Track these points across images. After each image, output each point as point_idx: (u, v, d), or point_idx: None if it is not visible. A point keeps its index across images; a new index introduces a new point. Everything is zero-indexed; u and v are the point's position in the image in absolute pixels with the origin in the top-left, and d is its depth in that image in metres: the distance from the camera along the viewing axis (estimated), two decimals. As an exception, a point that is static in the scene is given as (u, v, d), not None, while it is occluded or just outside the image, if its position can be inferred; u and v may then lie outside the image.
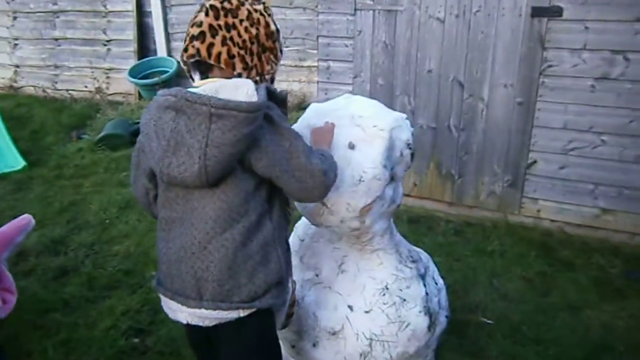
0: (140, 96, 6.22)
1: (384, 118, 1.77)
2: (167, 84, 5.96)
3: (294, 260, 2.05)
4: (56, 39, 6.62)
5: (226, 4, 1.41)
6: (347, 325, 1.87)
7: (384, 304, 1.87)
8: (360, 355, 1.87)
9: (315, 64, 5.70)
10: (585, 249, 3.06)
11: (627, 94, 2.79)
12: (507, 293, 2.76)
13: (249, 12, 1.43)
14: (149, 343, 2.42)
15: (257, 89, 1.32)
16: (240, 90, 1.31)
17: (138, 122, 5.06)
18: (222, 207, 1.33)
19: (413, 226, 3.40)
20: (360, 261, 1.94)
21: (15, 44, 6.80)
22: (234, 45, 1.40)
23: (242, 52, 1.41)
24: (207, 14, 1.39)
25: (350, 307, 1.89)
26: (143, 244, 3.18)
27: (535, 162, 3.12)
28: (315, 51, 5.74)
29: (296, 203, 1.87)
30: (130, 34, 6.25)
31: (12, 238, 1.49)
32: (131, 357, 2.34)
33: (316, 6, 5.56)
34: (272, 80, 1.52)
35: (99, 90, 6.41)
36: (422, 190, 3.49)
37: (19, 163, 4.38)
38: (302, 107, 5.68)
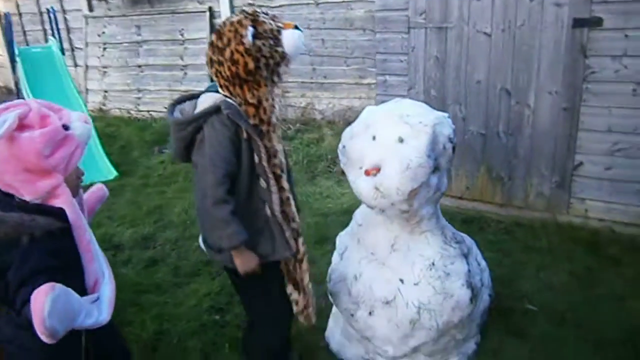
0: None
1: (427, 116, 2.08)
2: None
3: (352, 242, 2.39)
4: (139, 66, 7.37)
5: (219, 43, 1.74)
6: (399, 295, 2.16)
7: (431, 277, 2.15)
8: (410, 322, 2.15)
9: (375, 81, 6.08)
10: (633, 246, 3.17)
11: (669, 97, 2.94)
12: (553, 285, 2.94)
13: (232, 53, 1.71)
14: (228, 319, 2.80)
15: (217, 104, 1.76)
16: (205, 102, 1.82)
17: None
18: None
19: (465, 226, 3.61)
20: (410, 241, 2.23)
21: (105, 72, 7.62)
22: (222, 78, 1.78)
23: (226, 83, 1.78)
24: (209, 47, 1.79)
25: (401, 280, 2.18)
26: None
27: (581, 163, 3.29)
28: (374, 69, 6.13)
29: (353, 188, 2.20)
30: (204, 59, 6.86)
31: (94, 207, 1.94)
32: (213, 329, 2.73)
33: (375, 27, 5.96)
34: (259, 101, 1.80)
35: (176, 110, 7.06)
36: (474, 193, 3.71)
37: (112, 173, 4.98)
38: (361, 122, 6.04)
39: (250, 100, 1.79)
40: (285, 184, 1.92)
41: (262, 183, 1.85)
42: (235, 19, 1.75)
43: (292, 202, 1.96)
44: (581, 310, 2.68)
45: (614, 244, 3.22)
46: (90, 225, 2.05)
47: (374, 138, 2.14)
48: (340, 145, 2.25)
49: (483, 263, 2.38)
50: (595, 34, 3.04)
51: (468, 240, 2.39)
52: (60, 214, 1.47)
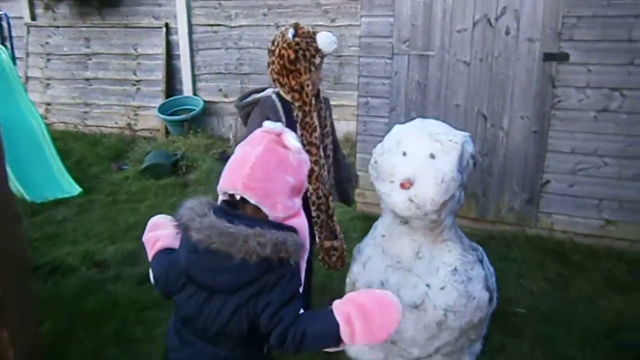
0: (167, 132, 6.71)
1: (456, 134, 2.30)
2: (195, 120, 6.48)
3: (376, 252, 2.54)
4: (87, 79, 7.12)
5: (271, 47, 2.34)
6: (427, 299, 2.34)
7: (455, 281, 2.34)
8: (437, 324, 2.33)
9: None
10: (593, 254, 3.58)
11: (624, 123, 3.39)
12: (532, 290, 3.25)
13: (279, 50, 2.28)
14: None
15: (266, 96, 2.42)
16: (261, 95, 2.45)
17: (176, 154, 5.60)
18: None
19: (442, 240, 3.90)
20: (433, 249, 2.42)
21: (48, 84, 7.28)
22: (274, 73, 2.34)
23: (277, 76, 2.34)
24: (267, 54, 2.37)
25: (428, 285, 2.36)
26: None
27: (548, 181, 3.68)
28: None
29: (385, 200, 2.36)
30: (159, 74, 6.79)
31: None
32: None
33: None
34: (302, 86, 2.31)
35: (129, 126, 6.89)
36: (449, 208, 4.00)
37: (75, 189, 4.79)
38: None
39: (295, 87, 2.32)
40: (319, 157, 2.41)
41: None
42: (283, 29, 2.36)
43: (320, 172, 2.42)
44: (563, 311, 3.01)
45: (577, 253, 3.62)
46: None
47: (404, 154, 2.32)
48: (372, 161, 2.42)
49: (491, 269, 2.62)
50: (563, 67, 3.46)
51: (480, 248, 2.62)
52: (292, 231, 1.43)
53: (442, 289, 2.35)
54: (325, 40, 2.31)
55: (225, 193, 1.46)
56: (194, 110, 6.55)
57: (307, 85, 2.33)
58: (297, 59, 2.27)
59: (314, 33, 2.33)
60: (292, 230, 1.42)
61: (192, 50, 6.73)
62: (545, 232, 3.76)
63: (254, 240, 1.30)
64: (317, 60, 2.32)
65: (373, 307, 1.33)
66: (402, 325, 2.38)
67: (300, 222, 1.46)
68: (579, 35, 3.37)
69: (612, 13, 3.26)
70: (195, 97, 6.76)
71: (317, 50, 2.30)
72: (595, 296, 3.17)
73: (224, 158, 5.99)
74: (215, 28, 6.63)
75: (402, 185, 2.25)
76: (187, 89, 6.84)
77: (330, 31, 2.41)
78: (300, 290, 1.47)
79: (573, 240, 3.72)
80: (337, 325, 1.33)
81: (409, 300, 2.35)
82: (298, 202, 1.47)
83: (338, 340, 1.34)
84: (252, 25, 6.48)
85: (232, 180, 1.41)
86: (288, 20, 6.41)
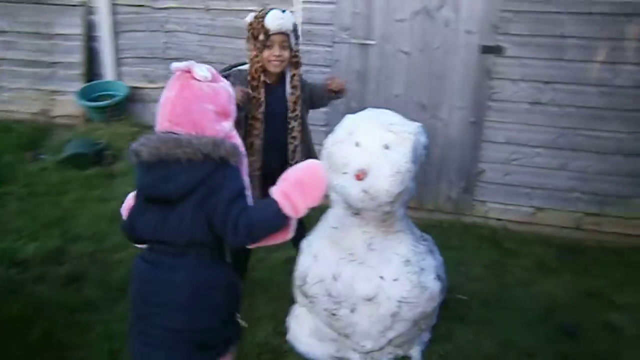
0: (87, 119, 6.25)
1: (410, 125, 2.28)
2: (118, 106, 6.09)
3: (327, 244, 2.48)
4: (-6, 60, 6.48)
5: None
6: (381, 291, 2.32)
7: (408, 272, 2.34)
8: (391, 315, 2.32)
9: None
10: (525, 240, 3.75)
11: (555, 116, 3.56)
12: (472, 276, 3.35)
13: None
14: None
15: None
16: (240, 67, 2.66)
17: (100, 143, 5.23)
18: None
19: (382, 229, 3.92)
20: (384, 241, 2.40)
21: (-54, 64, 6.55)
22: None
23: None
24: None
25: (381, 277, 2.34)
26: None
27: (483, 171, 3.79)
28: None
29: (338, 191, 2.30)
30: (77, 57, 6.31)
31: None
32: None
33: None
34: (252, 63, 2.51)
35: (44, 112, 6.35)
36: (388, 198, 4.03)
37: (-16, 181, 4.34)
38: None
39: (249, 63, 2.54)
40: (257, 130, 2.58)
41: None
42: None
43: (260, 145, 2.61)
44: (501, 297, 3.11)
45: (510, 240, 3.77)
46: None
47: (357, 144, 2.27)
48: (323, 152, 2.35)
49: (441, 258, 2.65)
50: (499, 60, 3.56)
51: (430, 238, 2.64)
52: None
53: (395, 280, 2.33)
54: (269, 17, 2.42)
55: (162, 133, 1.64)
56: (117, 96, 6.15)
57: (257, 62, 2.50)
58: (248, 38, 2.52)
59: (267, 13, 2.45)
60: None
61: (114, 32, 6.30)
62: (481, 220, 3.89)
63: (196, 140, 1.51)
64: (262, 37, 2.44)
65: (301, 174, 1.58)
66: (357, 319, 2.35)
67: (235, 142, 1.67)
68: (514, 29, 3.48)
69: (546, 9, 3.39)
70: (118, 82, 6.34)
71: (263, 27, 2.43)
72: (530, 280, 3.32)
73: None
74: (138, 9, 6.24)
75: (357, 177, 2.20)
76: (109, 73, 6.39)
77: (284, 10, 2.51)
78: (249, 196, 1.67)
79: (506, 227, 3.87)
80: (277, 202, 1.55)
81: (362, 293, 2.32)
82: (227, 125, 1.67)
83: (284, 217, 1.56)
84: (180, 7, 6.14)
85: (161, 121, 1.61)
86: (219, 4, 6.17)
